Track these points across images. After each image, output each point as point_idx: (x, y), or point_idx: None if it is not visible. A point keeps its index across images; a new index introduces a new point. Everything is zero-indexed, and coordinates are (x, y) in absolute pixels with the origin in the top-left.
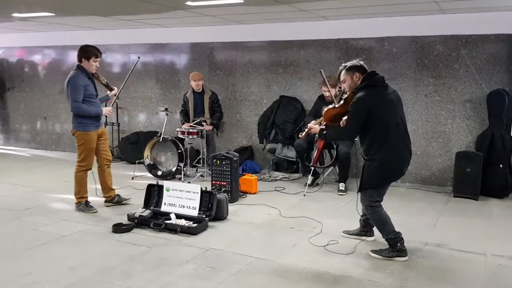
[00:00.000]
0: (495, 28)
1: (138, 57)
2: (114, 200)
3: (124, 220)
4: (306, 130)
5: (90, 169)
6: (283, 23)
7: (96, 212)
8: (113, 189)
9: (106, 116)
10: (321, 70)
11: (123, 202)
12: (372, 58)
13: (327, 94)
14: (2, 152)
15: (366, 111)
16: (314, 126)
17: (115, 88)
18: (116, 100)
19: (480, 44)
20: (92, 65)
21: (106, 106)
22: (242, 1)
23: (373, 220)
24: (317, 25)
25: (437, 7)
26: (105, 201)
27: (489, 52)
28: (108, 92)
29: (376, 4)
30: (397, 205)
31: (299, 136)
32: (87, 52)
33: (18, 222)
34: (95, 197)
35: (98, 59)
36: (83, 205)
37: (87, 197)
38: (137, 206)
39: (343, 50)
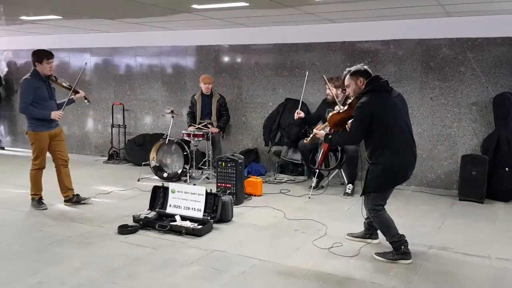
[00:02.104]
0: (501, 31)
1: (85, 63)
2: (72, 200)
3: (130, 221)
4: (311, 135)
5: (43, 167)
6: (288, 26)
7: (46, 209)
8: (71, 189)
9: (57, 119)
10: (323, 75)
11: (82, 202)
12: (377, 61)
13: (327, 92)
14: (10, 154)
15: (369, 116)
16: (319, 131)
17: (81, 91)
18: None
19: (486, 47)
20: (46, 67)
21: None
22: (248, 4)
23: (377, 223)
24: (322, 28)
25: (443, 10)
26: (64, 201)
27: (495, 55)
28: (73, 95)
29: (382, 7)
30: (402, 208)
31: (304, 141)
32: (39, 55)
33: (25, 223)
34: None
35: (51, 61)
36: (36, 202)
37: (40, 194)
38: (142, 207)
39: (348, 53)
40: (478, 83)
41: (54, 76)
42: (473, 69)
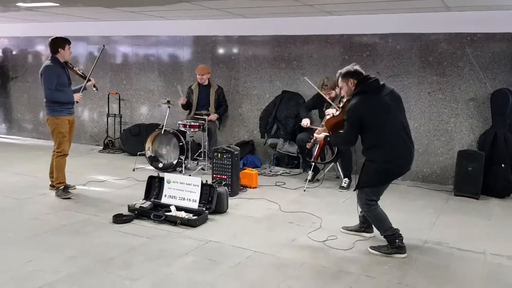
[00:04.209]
0: (501, 27)
1: (103, 45)
2: (53, 186)
3: (125, 211)
4: (312, 140)
5: (67, 153)
6: (286, 17)
7: (71, 198)
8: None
9: (77, 102)
10: (305, 77)
11: (69, 189)
12: (376, 54)
13: (327, 97)
14: (4, 141)
15: (359, 119)
16: (319, 135)
17: (92, 79)
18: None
19: (485, 43)
20: (67, 53)
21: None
22: None
23: (370, 217)
24: (321, 20)
25: (442, 5)
26: (50, 185)
27: (494, 51)
28: (84, 82)
29: (381, 0)
30: (397, 202)
31: (306, 146)
32: (61, 41)
33: (20, 211)
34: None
35: (70, 46)
36: (61, 190)
37: (65, 182)
38: (137, 197)
39: (347, 46)
40: (476, 78)
41: (70, 64)
42: (472, 65)
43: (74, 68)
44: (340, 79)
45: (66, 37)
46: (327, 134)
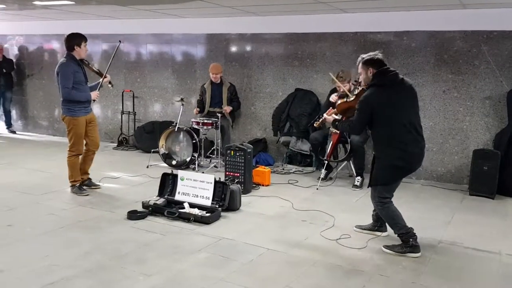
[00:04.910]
0: None
1: (119, 41)
2: (84, 183)
3: (139, 207)
4: (321, 119)
5: (80, 153)
6: (300, 15)
7: (88, 195)
8: (87, 173)
9: (94, 100)
10: (330, 73)
11: (92, 187)
12: (390, 52)
13: (340, 90)
14: (21, 138)
15: (369, 111)
16: (328, 116)
17: (108, 76)
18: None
19: (502, 41)
20: (84, 50)
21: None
22: None
23: (383, 216)
24: (334, 18)
25: (458, 2)
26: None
27: (511, 49)
28: (101, 79)
29: None
30: (411, 201)
31: (314, 124)
32: (78, 38)
33: (36, 207)
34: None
35: (86, 43)
36: (76, 188)
37: (80, 180)
38: (151, 194)
39: (360, 44)
40: (492, 77)
41: (86, 60)
42: (488, 63)
43: (90, 65)
44: (360, 65)
45: (87, 34)
46: (336, 118)
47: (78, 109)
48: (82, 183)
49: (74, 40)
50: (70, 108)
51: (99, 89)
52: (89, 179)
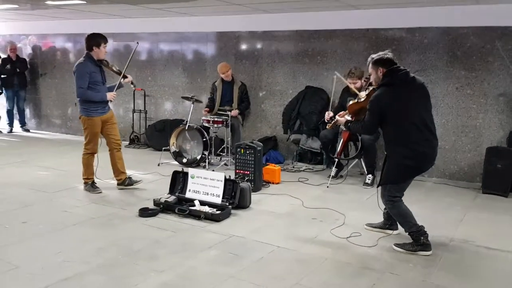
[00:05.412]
0: None
1: (137, 42)
2: (125, 183)
3: (150, 205)
4: (333, 121)
5: (95, 152)
6: (310, 12)
7: (100, 193)
8: (124, 172)
9: (110, 101)
10: (336, 72)
11: (134, 185)
12: (402, 49)
13: (352, 86)
14: (34, 136)
15: (379, 111)
16: (340, 118)
17: (129, 76)
18: (133, 88)
19: None
20: (103, 51)
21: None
22: None
23: (393, 214)
24: (345, 15)
25: None
26: (118, 184)
27: None
28: (122, 79)
29: None
30: (423, 199)
31: (326, 127)
32: (97, 39)
33: (50, 204)
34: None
35: (106, 44)
36: (89, 186)
37: (92, 178)
38: (162, 191)
39: (372, 41)
40: (506, 73)
41: (106, 61)
42: (502, 59)
43: (110, 65)
44: (370, 65)
45: (99, 33)
46: (349, 119)
47: (93, 109)
48: (122, 183)
49: (93, 40)
50: (85, 108)
51: (116, 90)
52: (129, 178)
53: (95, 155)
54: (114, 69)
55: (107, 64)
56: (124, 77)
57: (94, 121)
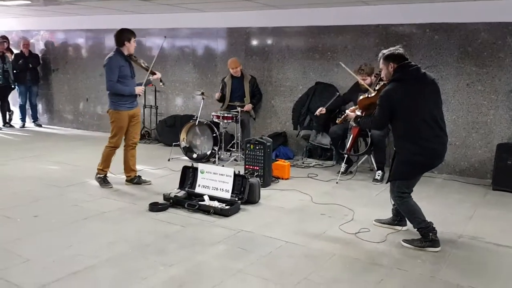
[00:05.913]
0: None
1: (165, 37)
2: (133, 181)
3: (160, 199)
4: (343, 116)
5: (117, 147)
6: (321, 8)
7: (111, 187)
8: (134, 170)
9: (139, 95)
10: (340, 62)
11: (142, 184)
12: (412, 45)
13: (361, 82)
14: (46, 131)
15: (389, 106)
16: (351, 113)
17: (158, 73)
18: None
19: None
20: (133, 46)
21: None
22: None
23: (402, 210)
24: (355, 10)
25: None
26: (126, 180)
27: None
28: (150, 76)
29: None
30: (433, 195)
31: (336, 121)
32: (128, 34)
33: (61, 198)
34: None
35: (135, 39)
36: (101, 179)
37: (107, 172)
38: (172, 186)
39: (382, 36)
40: None
41: (135, 56)
42: None
43: (138, 61)
44: (381, 61)
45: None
46: (359, 114)
47: (122, 103)
48: (130, 180)
49: (124, 35)
50: (114, 101)
51: (145, 85)
52: (138, 176)
53: (116, 150)
54: (143, 65)
55: (136, 59)
56: (153, 73)
57: (121, 115)
